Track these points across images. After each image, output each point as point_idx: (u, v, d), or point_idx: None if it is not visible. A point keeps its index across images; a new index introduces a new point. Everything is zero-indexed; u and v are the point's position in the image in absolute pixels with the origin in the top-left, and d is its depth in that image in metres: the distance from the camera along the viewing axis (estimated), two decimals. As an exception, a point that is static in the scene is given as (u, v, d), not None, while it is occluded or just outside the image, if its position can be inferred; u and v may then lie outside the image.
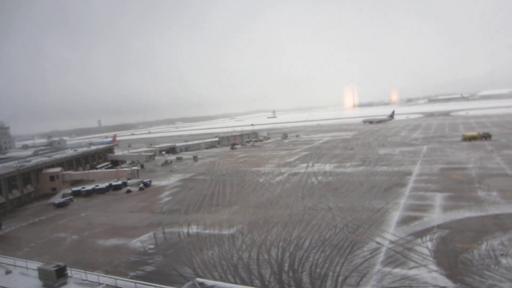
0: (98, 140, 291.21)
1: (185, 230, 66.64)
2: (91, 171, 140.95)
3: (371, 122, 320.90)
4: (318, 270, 45.72)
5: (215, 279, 44.89)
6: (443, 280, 40.61)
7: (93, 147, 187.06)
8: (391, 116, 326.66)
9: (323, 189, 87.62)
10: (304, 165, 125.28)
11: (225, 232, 63.27)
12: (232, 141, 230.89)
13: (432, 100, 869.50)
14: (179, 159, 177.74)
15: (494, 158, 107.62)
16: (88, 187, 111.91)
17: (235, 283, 44.32)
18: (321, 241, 54.84)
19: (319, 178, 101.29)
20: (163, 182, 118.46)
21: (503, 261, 43.46)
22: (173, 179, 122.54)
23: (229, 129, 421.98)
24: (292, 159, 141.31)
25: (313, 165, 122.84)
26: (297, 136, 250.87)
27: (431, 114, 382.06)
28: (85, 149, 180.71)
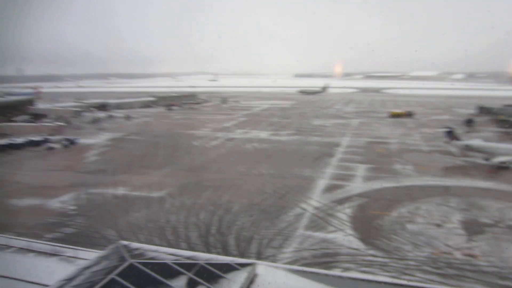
0: (18, 91, 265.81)
1: (111, 191, 64.95)
2: (6, 123, 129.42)
3: (306, 92, 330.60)
4: (245, 233, 47.61)
5: (140, 242, 44.86)
6: (356, 243, 44.57)
7: (10, 98, 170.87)
8: (324, 88, 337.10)
9: (257, 156, 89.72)
10: (241, 131, 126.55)
11: (154, 194, 62.78)
12: (169, 102, 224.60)
13: (367, 76, 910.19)
14: (110, 117, 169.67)
15: (414, 135, 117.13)
16: (2, 141, 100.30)
17: (161, 245, 44.75)
18: (250, 205, 56.79)
19: (254, 144, 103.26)
20: (90, 141, 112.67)
21: (408, 226, 48.57)
22: (102, 138, 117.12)
23: (167, 89, 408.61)
24: (229, 124, 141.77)
25: (249, 132, 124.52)
26: (236, 101, 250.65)
27: (365, 90, 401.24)
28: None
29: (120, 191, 65.02)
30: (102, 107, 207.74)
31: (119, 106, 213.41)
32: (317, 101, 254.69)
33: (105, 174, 76.21)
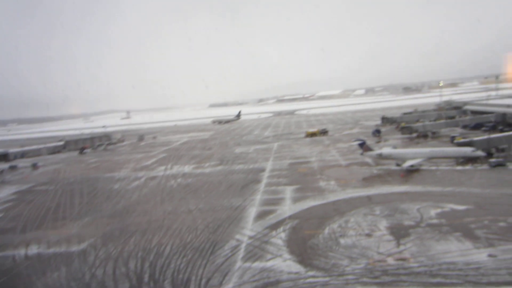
0: None
1: (22, 252, 57.21)
2: None
3: (220, 122, 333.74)
4: (181, 276, 44.69)
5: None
6: (295, 267, 44.30)
7: None
8: (238, 116, 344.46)
9: (182, 192, 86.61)
10: (163, 167, 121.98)
11: (75, 248, 56.68)
12: (81, 144, 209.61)
13: (280, 100, 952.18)
14: (13, 168, 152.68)
15: (331, 151, 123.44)
16: None
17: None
18: (183, 245, 53.88)
19: (179, 180, 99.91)
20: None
21: (342, 241, 49.84)
22: (4, 192, 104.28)
23: (77, 132, 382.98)
24: (149, 162, 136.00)
25: (171, 167, 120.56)
26: (154, 137, 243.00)
27: (279, 113, 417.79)
28: None
29: (33, 250, 57.49)
30: (3, 157, 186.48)
31: (23, 155, 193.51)
32: (236, 129, 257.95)
33: (12, 233, 67.10)
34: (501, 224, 50.06)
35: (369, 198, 67.27)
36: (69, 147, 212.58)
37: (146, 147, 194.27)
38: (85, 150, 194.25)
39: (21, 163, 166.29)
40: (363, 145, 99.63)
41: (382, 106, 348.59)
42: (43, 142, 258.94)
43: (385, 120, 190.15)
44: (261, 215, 63.75)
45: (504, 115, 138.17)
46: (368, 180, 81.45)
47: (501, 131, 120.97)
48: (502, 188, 65.80)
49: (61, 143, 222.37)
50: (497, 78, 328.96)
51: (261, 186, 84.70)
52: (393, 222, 54.62)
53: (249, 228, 58.09)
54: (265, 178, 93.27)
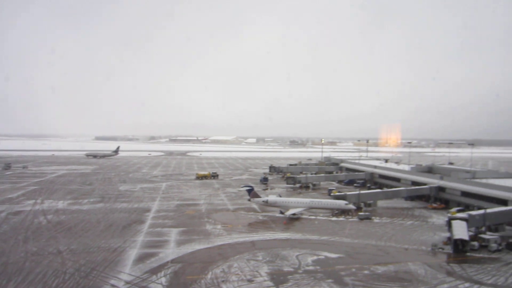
0: None
1: None
2: None
3: (95, 156, 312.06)
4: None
5: None
6: (174, 315, 42.00)
7: None
8: (116, 151, 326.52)
9: (53, 230, 77.07)
10: (31, 201, 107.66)
11: None
12: None
13: (172, 140, 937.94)
14: None
15: (220, 195, 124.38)
16: None
17: None
18: (45, 292, 47.09)
19: (49, 217, 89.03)
20: None
21: (224, 287, 49.22)
22: None
23: None
24: (14, 195, 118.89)
25: (42, 202, 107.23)
26: (24, 167, 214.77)
27: (171, 153, 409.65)
28: None
29: None
30: None
31: None
32: (122, 165, 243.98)
33: None
34: (366, 272, 55.36)
35: (253, 244, 68.65)
36: None
37: (12, 177, 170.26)
38: None
39: None
40: (251, 192, 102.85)
41: (271, 156, 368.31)
42: None
43: (273, 169, 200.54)
44: (141, 258, 59.85)
45: (372, 174, 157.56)
46: (253, 226, 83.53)
47: (369, 188, 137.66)
48: (368, 239, 73.59)
49: None
50: (367, 141, 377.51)
51: (145, 227, 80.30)
52: (274, 268, 56.29)
53: (127, 272, 53.80)
54: (149, 218, 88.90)
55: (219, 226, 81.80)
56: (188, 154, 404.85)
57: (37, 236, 72.19)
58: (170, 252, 63.52)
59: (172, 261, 58.92)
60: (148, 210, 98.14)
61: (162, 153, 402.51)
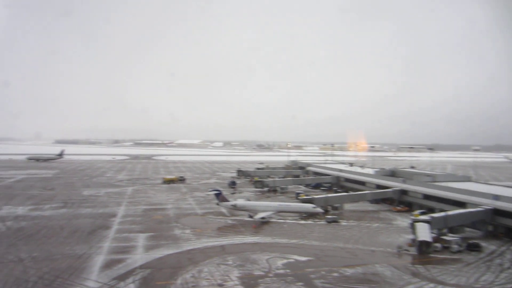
0: None
1: None
2: None
3: (37, 159, 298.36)
4: None
5: None
6: (144, 321, 41.39)
7: None
8: (60, 155, 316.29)
9: (12, 237, 73.63)
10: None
11: None
12: None
13: (137, 143, 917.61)
14: None
15: (188, 199, 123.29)
16: None
17: None
18: (6, 302, 45.08)
19: (8, 223, 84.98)
20: None
21: (195, 292, 49.01)
22: None
23: None
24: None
25: (0, 208, 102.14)
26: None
27: (136, 157, 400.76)
28: None
29: None
30: None
31: None
32: (85, 169, 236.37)
33: None
34: (335, 274, 56.78)
35: (223, 248, 68.68)
36: None
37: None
38: None
39: None
40: (219, 195, 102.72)
41: (238, 160, 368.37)
42: None
43: (241, 173, 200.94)
44: (108, 265, 58.43)
45: (338, 177, 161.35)
46: (223, 230, 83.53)
47: (336, 191, 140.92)
48: (336, 241, 75.46)
49: None
50: (332, 145, 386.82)
51: (111, 233, 78.37)
52: (245, 272, 56.60)
53: (93, 279, 52.38)
54: (116, 224, 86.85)
55: (188, 231, 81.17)
56: (154, 158, 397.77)
57: (-5, 244, 68.75)
58: (138, 257, 62.40)
59: (141, 266, 57.94)
60: (114, 215, 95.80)
61: (127, 157, 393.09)
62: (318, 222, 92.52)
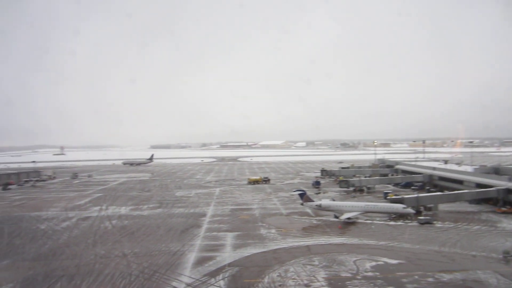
0: None
1: None
2: None
3: (131, 164, 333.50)
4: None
5: None
6: (234, 317, 42.92)
7: None
8: (151, 159, 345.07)
9: (117, 234, 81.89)
10: (97, 208, 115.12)
11: (-12, 295, 50.49)
12: (5, 180, 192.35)
13: (223, 146, 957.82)
14: None
15: (272, 200, 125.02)
16: None
17: None
18: (114, 292, 50.21)
19: (114, 222, 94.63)
20: None
21: (281, 291, 49.47)
22: None
23: (1, 166, 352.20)
24: (82, 202, 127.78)
25: (107, 208, 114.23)
26: (89, 176, 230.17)
27: (222, 159, 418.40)
28: None
29: None
30: None
31: None
32: (177, 172, 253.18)
33: None
34: (429, 279, 52.84)
35: (308, 248, 68.28)
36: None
37: (79, 185, 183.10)
38: (9, 186, 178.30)
39: None
40: (303, 196, 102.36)
41: (321, 159, 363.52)
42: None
43: (325, 172, 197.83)
44: (200, 261, 61.82)
45: (430, 176, 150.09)
46: (308, 230, 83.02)
47: (428, 191, 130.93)
48: (430, 244, 70.17)
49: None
50: (424, 142, 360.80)
51: (201, 232, 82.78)
52: (331, 273, 55.59)
53: (186, 275, 55.86)
54: (206, 223, 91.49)
55: (273, 231, 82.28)
56: (239, 159, 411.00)
57: (104, 240, 77.07)
58: (227, 255, 64.95)
59: (229, 264, 60.23)
60: (204, 215, 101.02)
61: (214, 159, 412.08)
62: (409, 224, 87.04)
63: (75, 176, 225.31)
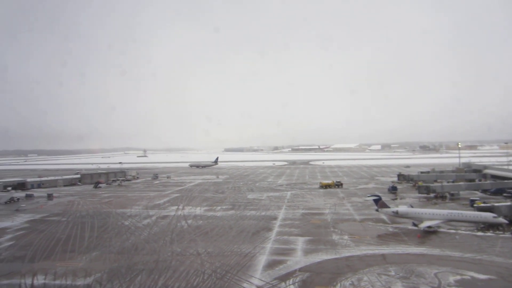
0: None
1: (28, 281, 56.35)
2: None
3: (198, 166, 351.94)
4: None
5: None
6: (304, 324, 42.10)
7: None
8: (215, 162, 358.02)
9: (192, 233, 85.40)
10: (174, 207, 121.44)
11: (80, 282, 55.54)
12: (96, 179, 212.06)
13: (294, 149, 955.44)
14: (29, 196, 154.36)
15: (345, 205, 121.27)
16: None
17: None
18: (188, 289, 52.23)
19: (189, 221, 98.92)
20: (4, 223, 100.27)
21: (354, 301, 47.48)
22: (18, 220, 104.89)
23: (94, 166, 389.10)
24: (161, 201, 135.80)
25: (183, 208, 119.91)
26: (168, 177, 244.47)
27: (294, 162, 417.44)
28: None
29: (39, 280, 56.55)
30: (21, 186, 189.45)
31: (40, 185, 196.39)
32: (249, 175, 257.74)
33: (21, 261, 66.58)
34: (525, 297, 47.13)
35: (383, 257, 64.83)
36: (85, 181, 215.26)
37: (159, 186, 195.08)
38: (99, 185, 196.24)
39: (37, 192, 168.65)
40: (378, 201, 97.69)
41: (398, 163, 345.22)
42: (60, 174, 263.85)
43: (402, 177, 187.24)
44: (270, 265, 61.87)
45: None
46: (383, 238, 78.92)
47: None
48: (526, 258, 62.65)
49: (77, 176, 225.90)
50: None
51: (272, 235, 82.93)
52: (409, 285, 52.04)
53: (257, 277, 56.19)
54: (276, 226, 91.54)
55: (346, 237, 79.60)
56: (311, 163, 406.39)
57: (180, 238, 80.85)
58: (298, 260, 64.16)
59: (300, 269, 59.38)
60: (275, 218, 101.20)
61: (286, 163, 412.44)
62: (500, 235, 78.57)
63: (155, 177, 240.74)
